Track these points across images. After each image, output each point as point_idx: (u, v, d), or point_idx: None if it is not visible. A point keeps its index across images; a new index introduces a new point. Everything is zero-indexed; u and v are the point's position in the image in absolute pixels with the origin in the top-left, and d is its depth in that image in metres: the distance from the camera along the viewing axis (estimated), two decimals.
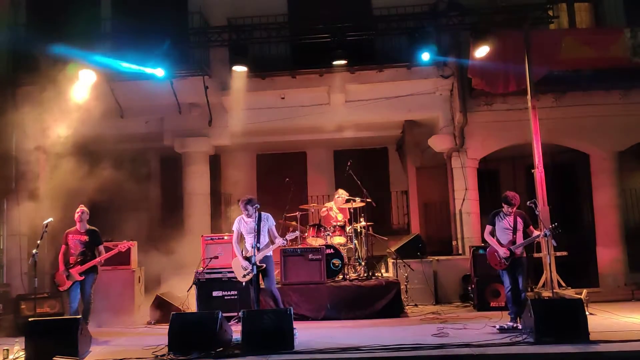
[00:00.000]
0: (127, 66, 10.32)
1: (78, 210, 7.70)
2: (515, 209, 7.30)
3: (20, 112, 11.62)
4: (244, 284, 7.26)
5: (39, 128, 10.65)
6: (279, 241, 7.17)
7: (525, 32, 10.08)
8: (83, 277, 7.46)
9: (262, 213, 7.21)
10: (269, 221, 7.25)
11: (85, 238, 7.61)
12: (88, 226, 7.73)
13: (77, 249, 7.55)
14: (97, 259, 7.60)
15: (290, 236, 7.35)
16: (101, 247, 7.75)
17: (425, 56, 10.09)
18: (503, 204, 7.33)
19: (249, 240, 7.13)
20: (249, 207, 7.10)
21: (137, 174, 11.59)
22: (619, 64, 10.84)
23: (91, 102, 11.23)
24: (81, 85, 10.91)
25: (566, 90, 11.35)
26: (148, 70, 10.23)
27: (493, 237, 7.42)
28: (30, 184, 11.92)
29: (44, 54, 10.52)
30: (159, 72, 10.31)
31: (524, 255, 7.38)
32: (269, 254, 7.18)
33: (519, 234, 7.29)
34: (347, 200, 9.95)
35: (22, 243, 11.62)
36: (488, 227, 7.51)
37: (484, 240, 7.94)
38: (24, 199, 11.86)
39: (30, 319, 6.81)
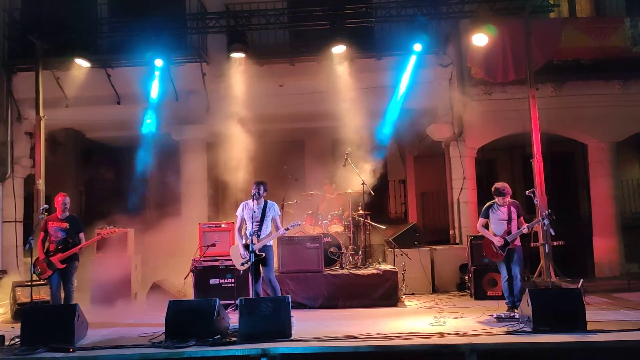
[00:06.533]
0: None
1: (59, 197, 7.53)
2: (508, 198, 7.32)
3: (15, 98, 11.57)
4: (241, 272, 7.24)
5: (34, 114, 10.54)
6: (280, 231, 7.16)
7: (525, 21, 10.03)
8: (65, 265, 7.33)
9: (269, 201, 7.22)
10: (274, 210, 7.22)
11: (66, 225, 7.46)
12: (68, 213, 7.58)
13: (58, 237, 7.40)
14: (78, 246, 7.45)
15: (292, 226, 7.31)
16: (81, 235, 7.60)
17: (417, 47, 10.08)
18: (495, 197, 7.36)
19: (250, 227, 7.08)
20: (261, 187, 7.09)
21: (134, 161, 11.53)
22: (618, 54, 10.84)
23: (87, 89, 11.20)
24: (77, 71, 10.86)
25: (566, 79, 11.32)
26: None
27: (487, 230, 7.44)
28: (26, 170, 11.88)
29: (40, 39, 10.40)
30: (158, 62, 10.28)
31: (520, 244, 7.39)
32: (268, 243, 7.15)
33: (514, 224, 7.32)
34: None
35: (17, 230, 11.60)
36: (481, 220, 7.54)
37: None
38: (20, 186, 11.83)
39: (26, 306, 6.79)
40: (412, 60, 10.45)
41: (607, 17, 12.00)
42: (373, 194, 9.94)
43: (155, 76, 10.72)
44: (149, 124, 11.03)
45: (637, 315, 7.06)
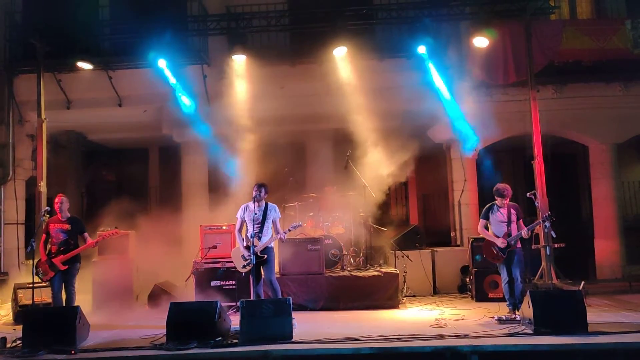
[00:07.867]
0: None
1: (57, 199, 7.53)
2: (508, 200, 7.33)
3: (17, 100, 11.59)
4: (243, 274, 7.25)
5: (36, 116, 10.56)
6: (280, 235, 7.16)
7: (526, 23, 10.03)
8: (66, 267, 7.33)
9: (270, 204, 7.24)
10: (274, 213, 7.24)
11: (67, 226, 7.45)
12: (69, 214, 7.58)
13: (59, 238, 7.39)
14: (80, 248, 7.45)
15: (293, 227, 7.32)
16: (86, 235, 7.62)
17: (421, 49, 10.10)
18: (495, 197, 7.37)
19: (251, 229, 7.09)
20: (262, 189, 7.12)
21: (135, 164, 11.55)
22: (620, 56, 10.83)
23: (89, 91, 11.22)
24: (78, 73, 10.87)
25: (566, 81, 11.32)
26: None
27: (488, 231, 7.45)
28: (27, 172, 11.89)
29: (41, 41, 10.42)
30: (161, 62, 10.31)
31: (520, 246, 7.39)
32: (270, 245, 7.17)
33: (514, 226, 7.33)
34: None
35: (19, 232, 11.61)
36: (482, 222, 7.55)
37: None
38: (21, 188, 11.84)
39: (28, 308, 6.80)
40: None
41: (608, 19, 11.99)
42: (374, 195, 9.94)
43: (164, 70, 10.67)
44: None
45: (638, 317, 7.06)
